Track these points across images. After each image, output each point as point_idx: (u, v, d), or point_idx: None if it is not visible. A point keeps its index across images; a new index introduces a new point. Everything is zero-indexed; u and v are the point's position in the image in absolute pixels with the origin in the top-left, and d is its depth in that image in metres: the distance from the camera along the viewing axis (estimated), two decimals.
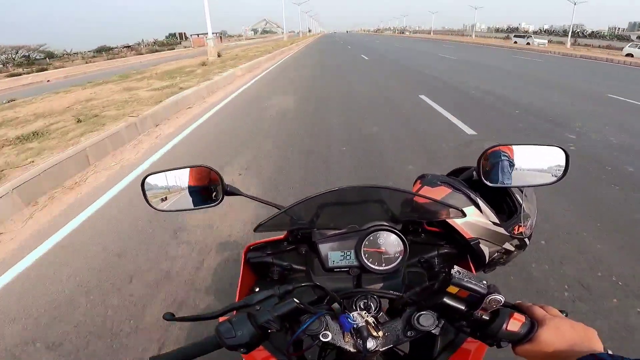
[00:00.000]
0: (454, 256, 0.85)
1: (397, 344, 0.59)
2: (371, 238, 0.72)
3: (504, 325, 0.51)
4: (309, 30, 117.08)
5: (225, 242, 2.62)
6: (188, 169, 0.81)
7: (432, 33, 77.49)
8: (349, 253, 0.74)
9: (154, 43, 68.57)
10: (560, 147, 0.82)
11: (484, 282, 0.52)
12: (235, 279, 0.81)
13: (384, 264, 0.72)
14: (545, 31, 57.90)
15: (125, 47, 61.98)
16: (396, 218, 0.77)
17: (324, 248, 0.75)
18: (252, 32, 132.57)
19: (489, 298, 0.50)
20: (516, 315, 0.52)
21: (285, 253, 0.85)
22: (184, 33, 73.43)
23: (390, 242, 0.72)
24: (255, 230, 0.71)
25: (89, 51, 56.54)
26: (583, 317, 1.81)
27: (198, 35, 62.21)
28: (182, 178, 0.81)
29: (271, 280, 0.85)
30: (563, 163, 0.82)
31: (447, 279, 0.52)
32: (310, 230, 0.78)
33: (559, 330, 0.49)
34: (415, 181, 0.94)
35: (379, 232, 0.72)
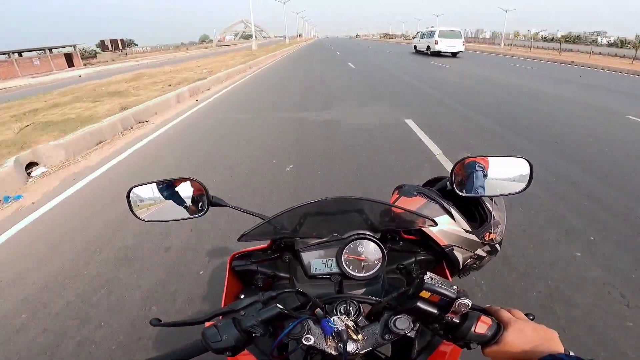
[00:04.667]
0: (431, 262, 0.90)
1: (376, 347, 0.62)
2: (351, 246, 0.75)
3: (473, 328, 0.55)
4: (299, 35, 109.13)
5: None
6: (173, 180, 0.83)
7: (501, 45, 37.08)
8: (330, 261, 0.77)
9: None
10: (525, 159, 0.88)
11: (455, 287, 0.56)
12: None
13: (364, 271, 0.75)
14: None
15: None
16: (375, 227, 0.81)
17: (306, 256, 0.78)
18: (234, 37, 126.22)
19: (458, 302, 0.54)
20: (483, 318, 0.56)
21: (270, 261, 0.87)
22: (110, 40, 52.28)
23: (370, 250, 0.75)
24: (239, 239, 0.74)
25: None
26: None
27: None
28: (167, 189, 0.83)
29: (256, 287, 0.86)
30: (527, 173, 0.88)
31: (420, 285, 0.56)
32: (293, 239, 0.81)
33: (522, 333, 0.53)
34: (393, 191, 0.98)
35: (359, 240, 0.75)
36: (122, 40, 55.51)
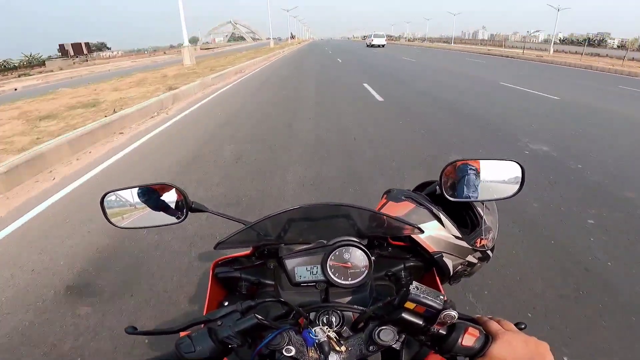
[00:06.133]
0: (420, 269, 0.87)
1: (362, 358, 0.59)
2: (337, 253, 0.72)
3: (460, 340, 0.52)
4: (292, 37, 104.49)
5: None
6: (151, 185, 0.79)
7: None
8: (315, 268, 0.74)
9: None
10: (516, 162, 0.85)
11: (441, 297, 0.53)
12: None
13: (350, 279, 0.72)
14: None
15: None
16: (362, 233, 0.78)
17: (290, 263, 0.75)
18: (224, 39, 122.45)
19: (444, 313, 0.51)
20: (471, 329, 0.53)
21: (254, 268, 0.84)
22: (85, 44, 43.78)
23: (356, 257, 0.72)
24: (215, 247, 0.70)
25: None
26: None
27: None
28: (144, 195, 0.80)
29: (240, 295, 0.84)
30: (519, 176, 0.85)
31: (405, 295, 0.53)
32: (277, 245, 0.78)
33: (511, 345, 0.50)
34: (382, 196, 0.96)
35: (345, 247, 0.72)
36: (87, 44, 47.52)
